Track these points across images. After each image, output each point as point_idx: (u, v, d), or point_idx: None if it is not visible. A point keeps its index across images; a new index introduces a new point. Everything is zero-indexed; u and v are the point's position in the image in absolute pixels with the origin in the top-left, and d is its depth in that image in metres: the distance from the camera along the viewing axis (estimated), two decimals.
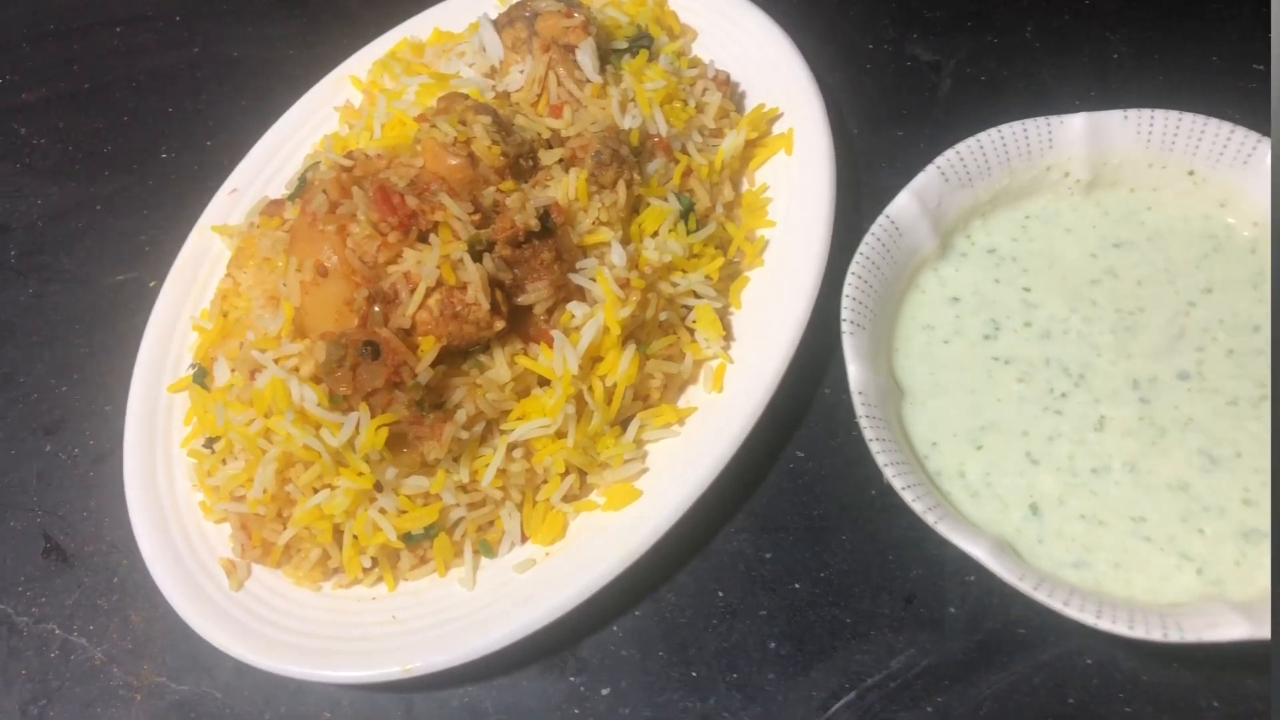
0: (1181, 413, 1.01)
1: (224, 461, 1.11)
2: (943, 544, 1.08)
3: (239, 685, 1.09)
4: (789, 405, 1.16)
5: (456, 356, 1.07)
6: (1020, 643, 1.04)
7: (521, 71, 1.24)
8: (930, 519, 0.93)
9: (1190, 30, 1.40)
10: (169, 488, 1.14)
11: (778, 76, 1.32)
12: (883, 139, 1.37)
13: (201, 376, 1.17)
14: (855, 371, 1.01)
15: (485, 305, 1.03)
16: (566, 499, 1.10)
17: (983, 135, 1.12)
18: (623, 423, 1.12)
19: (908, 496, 0.94)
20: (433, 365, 1.04)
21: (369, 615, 1.06)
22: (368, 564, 1.08)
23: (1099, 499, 0.98)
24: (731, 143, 1.25)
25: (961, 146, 1.12)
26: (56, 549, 1.20)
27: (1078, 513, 0.98)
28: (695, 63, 1.34)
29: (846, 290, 1.05)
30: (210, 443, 1.12)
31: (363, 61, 1.41)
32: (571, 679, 1.07)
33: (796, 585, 1.10)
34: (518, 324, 1.09)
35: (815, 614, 1.08)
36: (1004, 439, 1.02)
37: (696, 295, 1.17)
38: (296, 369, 1.05)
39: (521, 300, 1.08)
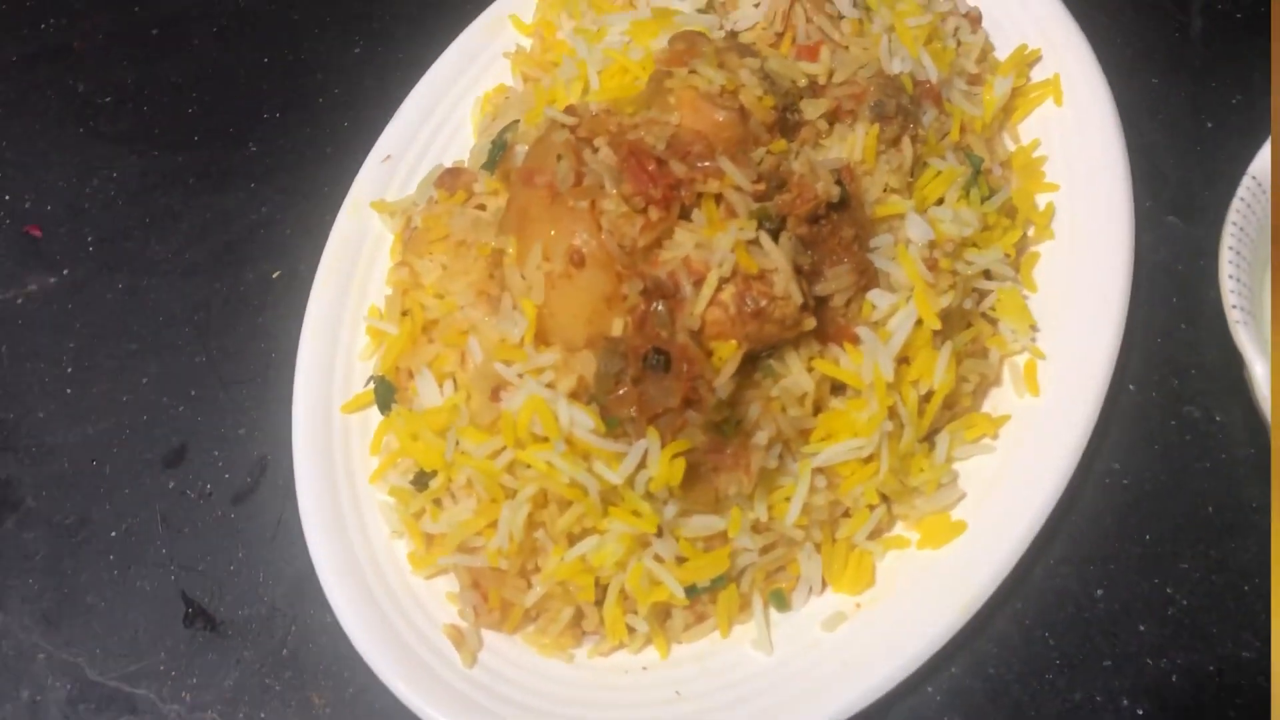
0: None
1: (438, 503, 0.88)
2: None
3: None
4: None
5: (746, 364, 0.85)
6: None
7: (757, 5, 1.01)
8: None
9: None
10: (362, 536, 0.90)
11: (1024, 12, 1.11)
12: (1137, 88, 1.16)
13: (388, 393, 0.93)
14: (1263, 374, 0.81)
15: (798, 299, 0.81)
16: (871, 536, 0.89)
17: None
18: (928, 437, 0.91)
19: None
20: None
21: (647, 691, 0.85)
22: (639, 624, 0.86)
23: None
24: (1001, 91, 1.04)
25: None
26: (202, 614, 0.95)
27: None
28: None
29: (1228, 270, 0.85)
30: (422, 478, 0.88)
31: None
32: None
33: (1141, 627, 0.90)
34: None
35: (1170, 663, 0.89)
36: None
37: (988, 276, 0.96)
38: (553, 385, 0.82)
39: (820, 290, 0.86)
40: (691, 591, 0.84)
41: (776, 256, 0.82)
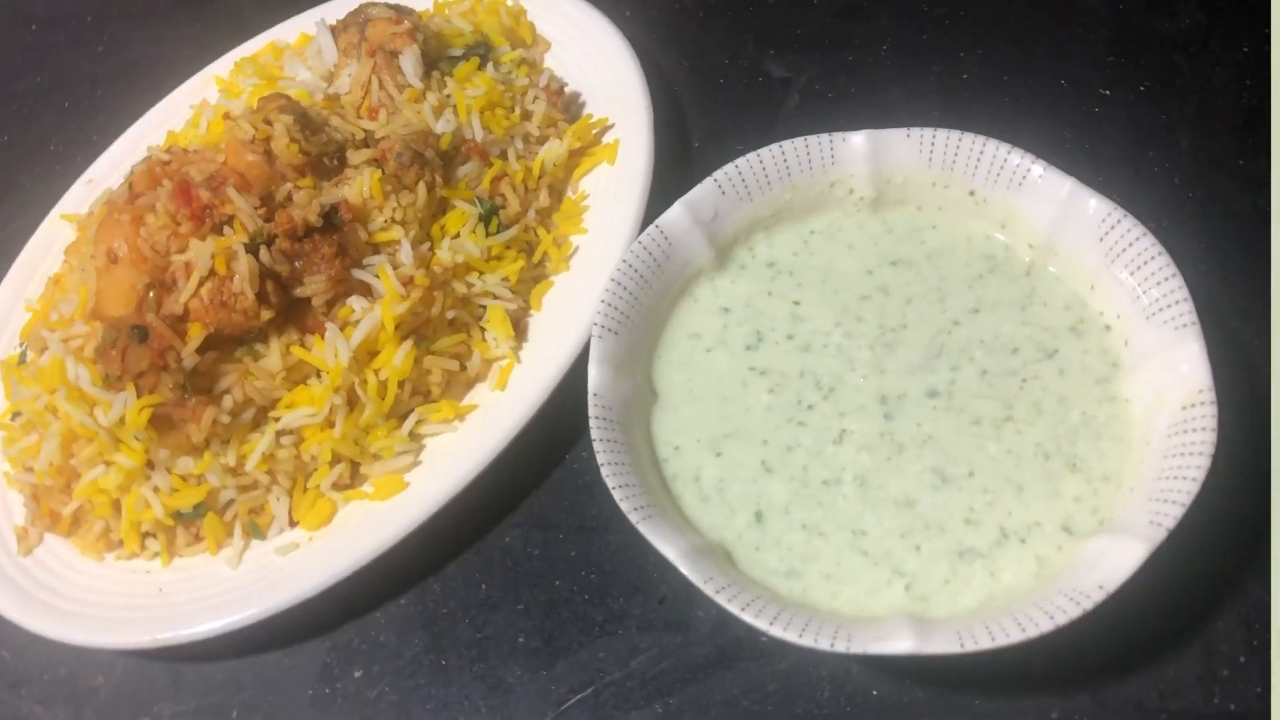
0: (923, 430, 1.01)
1: (26, 434, 1.17)
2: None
3: (28, 647, 1.15)
4: (577, 407, 1.18)
5: (231, 344, 1.11)
6: (761, 650, 1.05)
7: (349, 75, 1.29)
8: (634, 518, 0.94)
9: (1042, 54, 1.39)
10: None
11: (617, 90, 1.35)
12: (723, 153, 1.35)
13: (26, 355, 1.23)
14: (595, 375, 1.03)
15: (250, 295, 1.08)
16: (337, 487, 1.13)
17: (764, 150, 1.13)
18: (401, 416, 1.16)
19: (618, 495, 0.96)
20: (204, 352, 1.09)
21: (139, 587, 1.11)
22: (151, 541, 1.13)
23: (824, 510, 0.99)
24: (551, 150, 1.28)
25: (741, 161, 1.14)
26: None
27: (800, 522, 0.99)
28: (536, 72, 1.37)
29: (603, 296, 1.07)
30: (16, 416, 1.18)
31: (230, 62, 1.47)
32: (326, 660, 1.10)
33: (557, 582, 1.12)
34: (296, 315, 1.13)
35: (569, 611, 1.10)
36: (744, 447, 1.03)
37: (495, 297, 1.20)
38: (81, 349, 1.11)
39: (299, 292, 1.12)
40: (180, 516, 1.11)
41: (242, 263, 1.08)
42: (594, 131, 1.32)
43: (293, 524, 1.13)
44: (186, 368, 1.07)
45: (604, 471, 0.97)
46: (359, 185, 1.17)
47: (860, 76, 1.42)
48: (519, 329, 1.20)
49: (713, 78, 1.46)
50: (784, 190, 1.14)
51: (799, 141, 1.13)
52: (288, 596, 1.05)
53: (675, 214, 1.12)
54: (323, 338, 1.12)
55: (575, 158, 1.31)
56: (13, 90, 1.66)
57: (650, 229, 1.11)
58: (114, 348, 1.07)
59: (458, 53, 1.33)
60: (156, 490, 1.11)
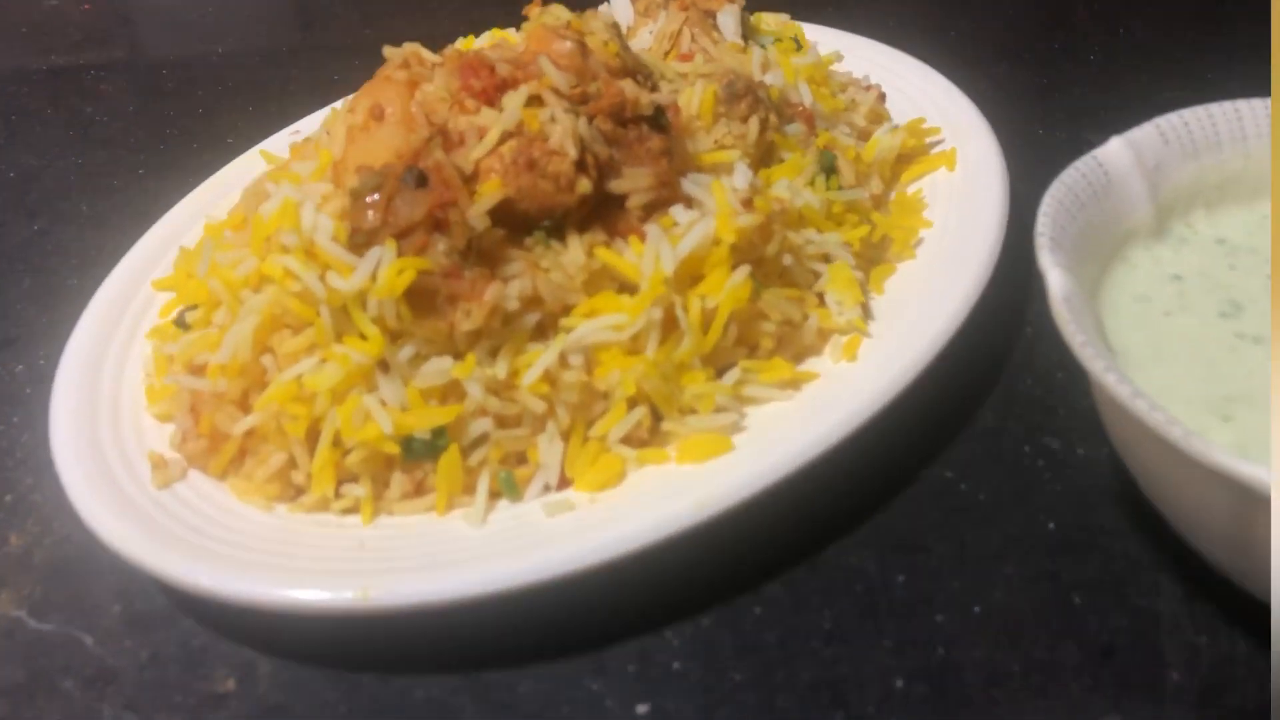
0: None
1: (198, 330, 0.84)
2: (1155, 593, 0.76)
3: (120, 634, 0.76)
4: (937, 419, 0.87)
5: (521, 227, 0.82)
6: None
7: (651, 32, 1.08)
8: (1185, 441, 0.62)
9: None
10: (116, 376, 0.87)
11: (939, 112, 1.13)
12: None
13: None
14: (1057, 279, 0.73)
15: (573, 154, 0.80)
16: (629, 442, 0.79)
17: (1214, 105, 0.90)
18: (720, 370, 0.84)
19: (1146, 410, 0.64)
20: (492, 223, 0.79)
21: (331, 540, 0.75)
22: (352, 486, 0.77)
23: None
24: (886, 137, 1.04)
25: (1187, 112, 0.89)
26: None
27: None
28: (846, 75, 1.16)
29: (1043, 208, 0.80)
30: (184, 314, 0.86)
31: None
32: (593, 686, 0.72)
33: (939, 618, 0.75)
34: (606, 216, 0.84)
35: (965, 654, 0.73)
36: (1261, 415, 0.72)
37: (830, 260, 0.92)
38: (320, 205, 0.81)
39: (614, 186, 0.84)
40: (410, 447, 0.76)
41: (561, 118, 0.81)
42: (926, 139, 1.09)
43: (563, 484, 0.78)
44: (475, 228, 0.77)
45: (1097, 365, 0.66)
46: (689, 95, 0.92)
47: None
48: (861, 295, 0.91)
49: (1029, 140, 1.25)
50: (1236, 156, 0.89)
51: (1257, 103, 0.90)
52: (561, 559, 0.69)
53: (1114, 148, 0.86)
54: (638, 240, 0.82)
55: (901, 164, 1.07)
56: (191, 94, 1.46)
57: (1086, 158, 0.86)
58: (379, 191, 0.78)
59: (767, 40, 1.12)
60: (384, 405, 0.76)
